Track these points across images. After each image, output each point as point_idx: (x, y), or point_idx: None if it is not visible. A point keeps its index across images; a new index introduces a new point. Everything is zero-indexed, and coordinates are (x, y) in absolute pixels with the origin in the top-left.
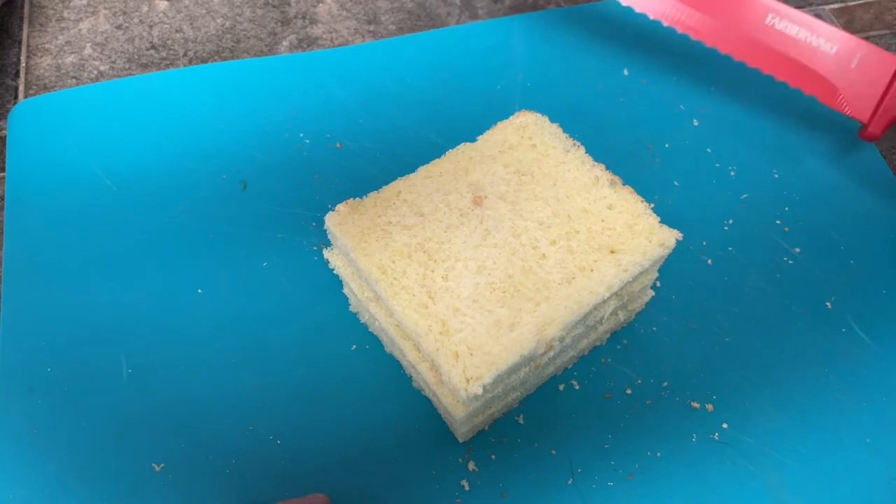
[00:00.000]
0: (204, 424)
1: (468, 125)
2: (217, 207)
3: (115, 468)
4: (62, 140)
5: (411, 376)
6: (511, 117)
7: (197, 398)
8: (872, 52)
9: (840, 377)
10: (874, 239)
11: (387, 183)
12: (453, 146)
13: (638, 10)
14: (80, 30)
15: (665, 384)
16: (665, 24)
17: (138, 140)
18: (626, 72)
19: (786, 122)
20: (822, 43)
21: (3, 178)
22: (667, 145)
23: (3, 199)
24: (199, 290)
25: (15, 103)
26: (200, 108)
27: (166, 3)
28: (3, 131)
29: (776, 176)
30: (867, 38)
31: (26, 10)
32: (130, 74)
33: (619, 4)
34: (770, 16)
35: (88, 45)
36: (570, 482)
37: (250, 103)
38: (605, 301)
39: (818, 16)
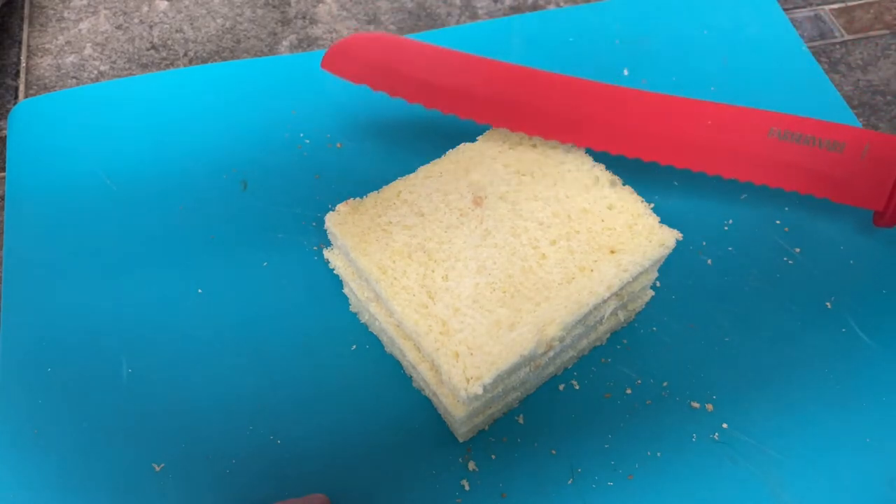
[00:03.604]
0: (204, 424)
1: (468, 125)
2: (217, 207)
3: (115, 468)
4: (62, 140)
5: (411, 376)
6: None
7: (197, 398)
8: (881, 141)
9: (840, 377)
10: (874, 239)
11: (387, 183)
12: (453, 146)
13: (645, 160)
14: (80, 30)
15: (665, 384)
16: (661, 164)
17: (138, 140)
18: (626, 72)
19: None
20: (829, 144)
21: (3, 178)
22: None
23: (3, 199)
24: (199, 291)
25: (15, 103)
26: (200, 108)
27: (166, 3)
28: (3, 131)
29: None
30: (867, 38)
31: (26, 10)
32: (130, 74)
33: (619, 4)
34: (771, 129)
35: (88, 45)
36: (570, 482)
37: (250, 103)
38: (605, 301)
39: (818, 16)
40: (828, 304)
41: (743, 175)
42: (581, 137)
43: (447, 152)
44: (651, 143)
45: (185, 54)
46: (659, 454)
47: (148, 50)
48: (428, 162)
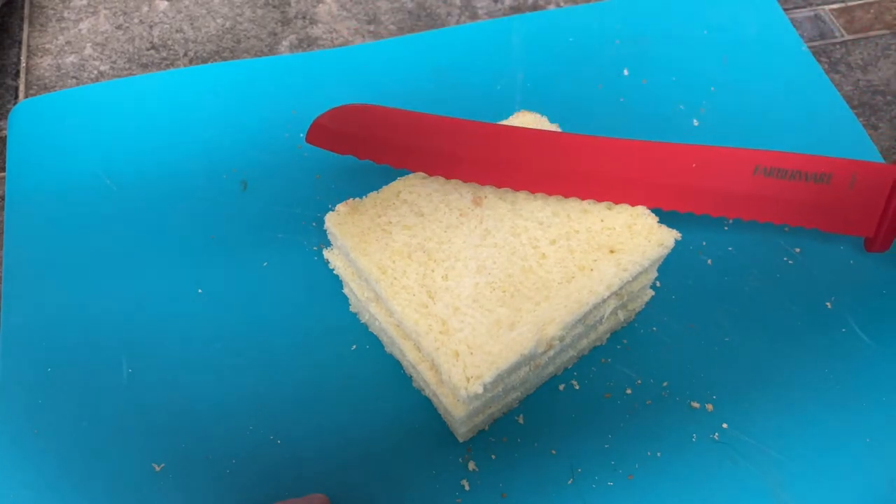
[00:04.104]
0: (204, 424)
1: None
2: (217, 207)
3: (115, 468)
4: (62, 140)
5: (411, 376)
6: (511, 117)
7: (197, 398)
8: (868, 170)
9: (840, 377)
10: None
11: (387, 183)
12: None
13: (632, 206)
14: (80, 30)
15: (665, 384)
16: (649, 208)
17: (138, 140)
18: (626, 72)
19: (784, 121)
20: (816, 177)
21: (3, 178)
22: None
23: (3, 199)
24: (199, 290)
25: (15, 103)
26: (200, 108)
27: (166, 3)
28: (3, 131)
29: None
30: (867, 39)
31: (26, 10)
32: (130, 74)
33: (619, 4)
34: (756, 167)
35: (89, 45)
36: (570, 482)
37: (250, 103)
38: (604, 300)
39: (818, 16)
40: (828, 304)
41: (731, 213)
42: (569, 188)
43: None
44: (638, 190)
45: (185, 54)
46: (659, 454)
47: (148, 50)
48: None
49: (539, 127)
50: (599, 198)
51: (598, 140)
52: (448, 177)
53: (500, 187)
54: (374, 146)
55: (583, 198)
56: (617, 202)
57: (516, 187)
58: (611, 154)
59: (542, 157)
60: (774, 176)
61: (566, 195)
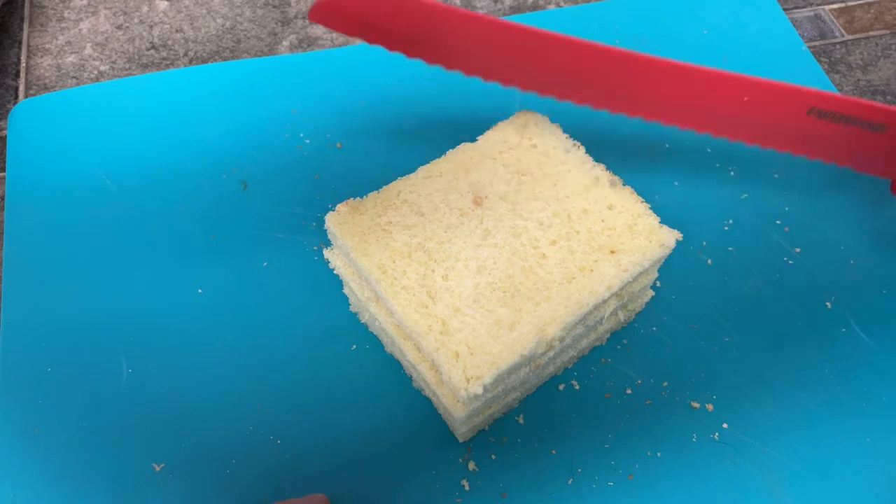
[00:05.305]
0: (204, 424)
1: (468, 125)
2: (217, 207)
3: (115, 468)
4: (62, 140)
5: (411, 376)
6: (511, 117)
7: (197, 398)
8: None
9: (840, 377)
10: (874, 239)
11: (387, 183)
12: (453, 146)
13: (682, 127)
14: (80, 30)
15: (665, 384)
16: (698, 131)
17: (138, 140)
18: None
19: None
20: (872, 126)
21: (3, 178)
22: (667, 145)
23: (3, 199)
24: (200, 290)
25: (15, 103)
26: (200, 108)
27: (166, 3)
28: (3, 131)
29: (776, 176)
30: (867, 38)
31: (26, 10)
32: (130, 74)
33: (619, 4)
34: (811, 108)
35: (89, 45)
36: (570, 482)
37: (250, 103)
38: (605, 301)
39: (818, 16)
40: (828, 304)
41: (782, 147)
42: (616, 104)
43: (447, 152)
44: (687, 114)
45: (185, 54)
46: (659, 454)
47: (148, 50)
48: (428, 162)
49: (539, 128)
50: (647, 116)
51: (646, 58)
52: (468, 73)
53: (542, 94)
54: (390, 33)
55: (630, 114)
56: (665, 123)
57: (560, 95)
58: (660, 75)
59: (590, 69)
60: (828, 119)
61: (612, 110)
